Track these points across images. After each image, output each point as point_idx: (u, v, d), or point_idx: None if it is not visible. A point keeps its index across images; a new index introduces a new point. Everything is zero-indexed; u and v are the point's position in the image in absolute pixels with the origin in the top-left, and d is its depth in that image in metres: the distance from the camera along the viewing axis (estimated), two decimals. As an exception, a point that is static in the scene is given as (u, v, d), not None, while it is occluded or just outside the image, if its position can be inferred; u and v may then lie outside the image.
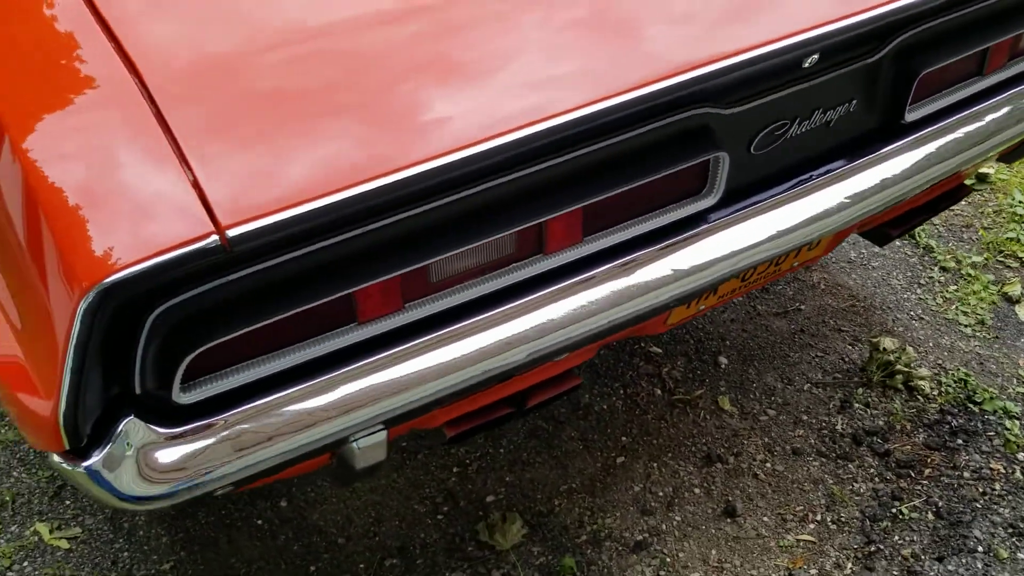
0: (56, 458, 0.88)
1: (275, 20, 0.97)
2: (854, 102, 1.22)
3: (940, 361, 1.93)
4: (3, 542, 1.57)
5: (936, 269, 2.15)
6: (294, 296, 0.88)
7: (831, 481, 1.70)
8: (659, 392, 1.86)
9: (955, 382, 1.88)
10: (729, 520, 1.64)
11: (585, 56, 1.03)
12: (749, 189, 1.20)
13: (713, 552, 1.59)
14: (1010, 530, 1.60)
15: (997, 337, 1.99)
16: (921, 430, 1.79)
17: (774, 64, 1.07)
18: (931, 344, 1.96)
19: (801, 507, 1.66)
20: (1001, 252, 2.19)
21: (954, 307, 2.06)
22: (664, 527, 1.63)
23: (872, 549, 1.58)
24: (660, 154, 1.06)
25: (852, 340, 1.98)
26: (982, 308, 2.05)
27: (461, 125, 0.92)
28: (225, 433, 0.91)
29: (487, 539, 1.61)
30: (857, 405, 1.83)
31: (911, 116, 1.27)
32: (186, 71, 0.90)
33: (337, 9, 1.00)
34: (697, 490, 1.69)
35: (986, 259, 2.17)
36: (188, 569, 1.56)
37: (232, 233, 0.81)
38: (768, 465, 1.73)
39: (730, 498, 1.67)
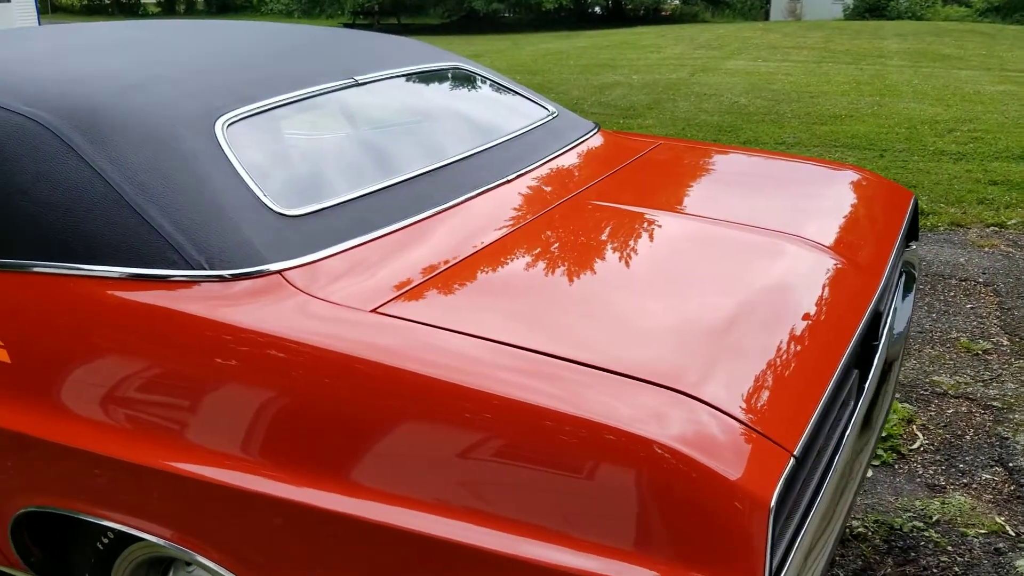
0: None
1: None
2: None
3: (854, 515, 2.73)
4: None
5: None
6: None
7: (871, 608, 2.35)
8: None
9: (873, 523, 2.68)
10: (843, 656, 2.19)
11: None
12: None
13: None
14: (989, 586, 2.39)
15: (863, 488, 2.86)
16: (887, 557, 2.53)
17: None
18: (838, 507, 2.76)
19: (873, 629, 2.27)
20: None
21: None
22: None
23: (935, 632, 2.24)
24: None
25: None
26: (841, 477, 2.92)
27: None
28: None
29: None
30: (838, 558, 2.53)
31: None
32: (697, 369, 1.41)
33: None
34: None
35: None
36: None
37: (796, 451, 1.33)
38: (829, 614, 2.33)
39: (830, 643, 2.23)
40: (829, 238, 1.99)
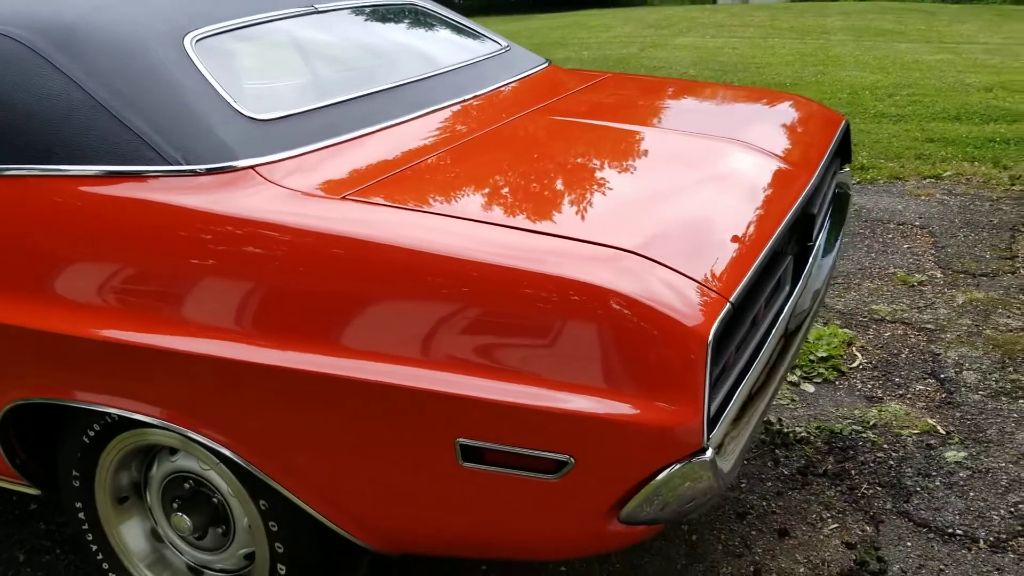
0: (676, 466, 1.38)
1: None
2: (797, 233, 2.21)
3: (796, 423, 2.90)
4: None
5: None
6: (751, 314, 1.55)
7: (813, 497, 2.51)
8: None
9: (815, 428, 2.85)
10: (787, 538, 2.35)
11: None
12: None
13: (797, 556, 2.28)
14: (920, 473, 2.56)
15: (805, 402, 3.03)
16: (828, 456, 2.70)
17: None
18: (783, 419, 2.93)
19: (815, 514, 2.43)
20: (767, 363, 3.31)
21: (772, 398, 3.07)
22: (758, 558, 2.28)
23: (871, 514, 2.41)
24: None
25: (742, 432, 2.87)
26: (784, 396, 3.10)
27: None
28: (733, 424, 1.50)
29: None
30: (782, 459, 2.70)
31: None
32: (650, 234, 1.55)
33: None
34: (754, 532, 2.38)
35: (763, 369, 3.26)
36: None
37: (732, 298, 1.47)
38: (774, 504, 2.49)
39: (775, 527, 2.39)
40: (767, 142, 2.14)
